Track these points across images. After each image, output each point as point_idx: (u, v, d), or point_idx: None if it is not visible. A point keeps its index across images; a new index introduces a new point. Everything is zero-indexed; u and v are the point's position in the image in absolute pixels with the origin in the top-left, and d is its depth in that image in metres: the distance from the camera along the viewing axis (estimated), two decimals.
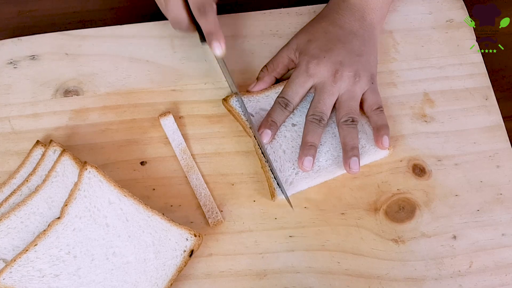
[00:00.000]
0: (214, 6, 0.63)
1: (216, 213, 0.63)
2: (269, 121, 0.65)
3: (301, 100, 0.66)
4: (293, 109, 0.66)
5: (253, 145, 0.66)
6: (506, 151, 0.67)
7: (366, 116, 0.66)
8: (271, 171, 0.63)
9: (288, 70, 0.70)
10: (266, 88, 0.69)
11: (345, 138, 0.64)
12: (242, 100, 0.66)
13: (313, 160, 0.63)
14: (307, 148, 0.63)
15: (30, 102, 0.69)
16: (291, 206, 0.62)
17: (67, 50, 0.72)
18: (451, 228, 0.63)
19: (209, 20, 0.63)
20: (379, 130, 0.64)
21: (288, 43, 0.70)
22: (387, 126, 0.65)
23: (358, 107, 0.65)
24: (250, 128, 0.66)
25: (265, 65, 0.70)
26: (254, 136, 0.65)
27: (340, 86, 0.65)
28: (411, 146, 0.67)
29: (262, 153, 0.64)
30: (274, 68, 0.69)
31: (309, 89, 0.66)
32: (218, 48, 0.63)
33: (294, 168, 0.64)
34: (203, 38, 0.65)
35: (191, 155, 0.66)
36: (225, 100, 0.68)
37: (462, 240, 0.62)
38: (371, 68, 0.67)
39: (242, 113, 0.67)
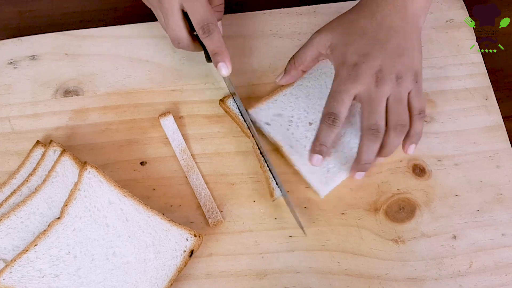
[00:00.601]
0: (219, 25, 0.62)
1: (216, 213, 0.63)
2: (317, 145, 0.61)
3: (348, 112, 0.62)
4: (342, 124, 0.61)
5: (252, 145, 0.66)
6: (506, 151, 0.67)
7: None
8: (270, 171, 0.63)
9: (317, 62, 0.67)
10: (275, 91, 0.69)
11: (388, 144, 0.61)
12: (240, 101, 0.66)
13: (364, 174, 0.63)
14: (361, 165, 0.62)
15: (30, 102, 0.69)
16: (303, 230, 0.61)
17: (67, 50, 0.72)
18: (451, 228, 0.63)
19: (214, 40, 0.62)
20: (412, 137, 0.62)
21: (319, 35, 0.65)
22: (420, 136, 0.63)
23: (407, 111, 0.62)
24: (248, 128, 0.66)
25: (293, 57, 0.66)
26: (253, 136, 0.65)
27: (385, 90, 0.61)
28: None
29: (261, 153, 0.64)
30: (302, 61, 0.66)
31: (354, 98, 0.62)
32: (225, 68, 0.63)
33: (323, 167, 0.64)
34: (209, 57, 0.65)
35: (191, 155, 0.66)
36: (222, 101, 0.68)
37: (462, 240, 0.62)
38: (414, 66, 0.62)
39: (239, 114, 0.67)
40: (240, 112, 0.67)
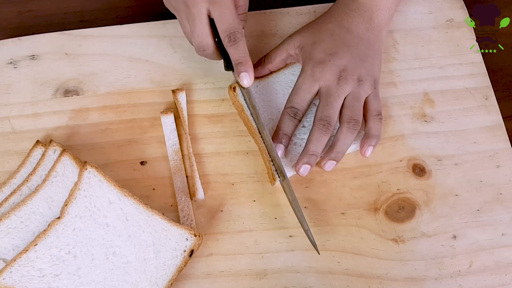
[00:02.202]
0: (243, 34, 0.62)
1: (191, 220, 0.63)
2: (280, 135, 0.64)
3: (308, 106, 0.65)
4: (302, 117, 0.65)
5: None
6: (506, 151, 0.67)
7: (364, 119, 0.65)
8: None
9: (285, 64, 0.69)
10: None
11: (340, 139, 0.63)
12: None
13: (310, 169, 0.63)
14: (308, 155, 0.63)
15: (30, 102, 0.69)
16: (318, 251, 0.61)
17: (67, 50, 0.72)
18: (451, 228, 0.63)
19: (239, 49, 0.62)
20: (370, 139, 0.64)
21: (290, 38, 0.69)
22: (378, 138, 0.65)
23: (361, 110, 0.64)
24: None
25: (264, 56, 0.69)
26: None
27: (345, 88, 0.64)
28: (411, 146, 0.67)
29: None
30: (270, 60, 0.68)
31: (316, 94, 0.65)
32: (247, 79, 0.63)
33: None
34: (228, 65, 0.65)
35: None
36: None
37: (462, 240, 0.62)
38: (374, 73, 0.66)
39: (185, 109, 0.67)
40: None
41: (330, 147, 0.64)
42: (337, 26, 0.67)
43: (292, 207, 0.62)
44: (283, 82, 0.69)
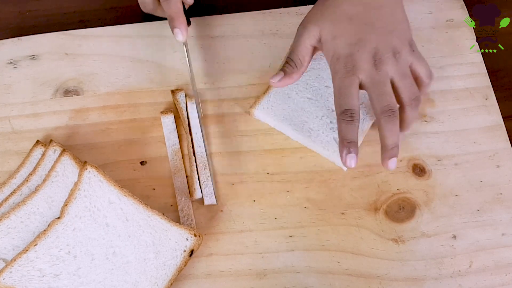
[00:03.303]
0: None
1: (191, 220, 0.63)
2: (345, 144, 0.59)
3: (359, 102, 0.60)
4: (359, 116, 0.59)
5: (187, 144, 0.66)
6: (506, 151, 0.67)
7: (417, 86, 0.62)
8: (197, 172, 0.65)
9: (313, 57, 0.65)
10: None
11: (405, 119, 0.60)
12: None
13: (396, 158, 0.60)
14: (389, 150, 0.59)
15: (30, 102, 0.69)
16: (216, 200, 0.62)
17: (67, 50, 0.72)
18: (451, 228, 0.63)
19: (171, 5, 0.64)
20: (405, 124, 0.61)
21: (305, 29, 0.63)
22: (415, 118, 0.62)
23: (414, 83, 0.61)
24: (189, 126, 0.67)
25: (290, 59, 0.63)
26: (190, 134, 0.66)
27: (386, 70, 0.59)
28: (411, 146, 0.67)
29: (194, 153, 0.65)
30: (302, 63, 0.63)
31: (359, 86, 0.60)
32: (179, 35, 0.65)
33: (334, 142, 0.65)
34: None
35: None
36: (173, 92, 0.69)
37: (462, 240, 0.62)
38: (406, 37, 0.62)
39: (184, 110, 0.67)
40: (187, 108, 0.67)
41: (400, 125, 0.60)
42: (352, 4, 0.62)
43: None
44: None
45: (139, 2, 0.68)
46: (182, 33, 0.65)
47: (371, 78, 0.59)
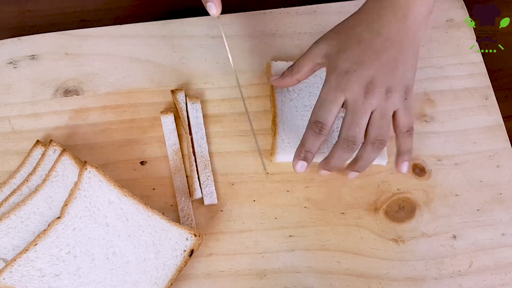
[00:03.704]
0: None
1: (191, 220, 0.63)
2: (303, 152, 0.60)
3: (334, 120, 0.60)
4: (328, 132, 0.60)
5: (186, 144, 0.66)
6: (506, 151, 0.67)
7: (394, 133, 0.62)
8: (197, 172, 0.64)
9: (313, 72, 0.65)
10: None
11: (363, 157, 0.60)
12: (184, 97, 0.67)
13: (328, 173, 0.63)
14: (328, 167, 0.62)
15: (30, 102, 0.69)
16: (265, 168, 0.62)
17: (67, 50, 0.72)
18: (451, 228, 0.63)
19: None
20: (403, 155, 0.61)
21: (316, 45, 0.63)
22: (410, 153, 0.61)
23: (389, 127, 0.60)
24: (189, 125, 0.66)
25: (291, 66, 0.65)
26: (190, 134, 0.65)
27: (372, 103, 0.59)
28: None
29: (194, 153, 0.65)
30: (298, 70, 0.64)
31: (341, 105, 0.60)
32: (213, 8, 0.62)
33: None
34: None
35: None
36: (173, 92, 0.68)
37: (462, 240, 0.62)
38: (406, 81, 0.61)
39: (184, 109, 0.67)
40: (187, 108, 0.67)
41: (353, 160, 0.62)
42: (366, 30, 0.61)
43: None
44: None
45: None
46: (216, 6, 0.62)
47: (354, 104, 0.59)
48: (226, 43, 0.66)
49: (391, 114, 0.60)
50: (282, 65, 0.69)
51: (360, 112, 0.59)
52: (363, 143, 0.60)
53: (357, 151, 0.61)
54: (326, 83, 0.61)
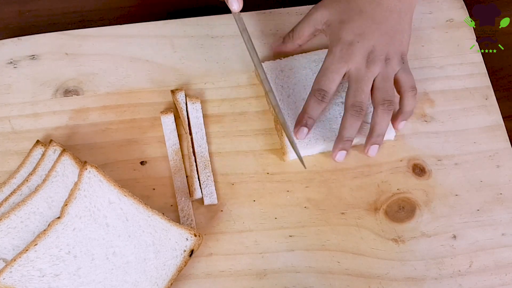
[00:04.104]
0: None
1: (191, 220, 0.63)
2: (305, 118, 0.63)
3: (336, 89, 0.64)
4: (330, 100, 0.64)
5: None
6: (506, 151, 0.67)
7: (399, 95, 0.65)
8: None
9: (313, 37, 0.69)
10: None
11: (377, 122, 0.63)
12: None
13: (346, 154, 0.64)
14: (343, 142, 0.63)
15: (30, 102, 0.69)
16: (304, 165, 0.62)
17: (67, 50, 0.72)
18: (451, 228, 0.63)
19: None
20: (403, 114, 0.65)
21: (316, 10, 0.67)
22: (411, 113, 0.65)
23: (393, 88, 0.64)
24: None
25: (291, 30, 0.68)
26: (268, 97, 0.65)
27: (374, 70, 0.63)
28: (411, 146, 0.67)
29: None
30: (299, 35, 0.68)
31: (344, 76, 0.64)
32: (235, 3, 0.63)
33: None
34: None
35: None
36: (173, 92, 0.68)
37: (462, 240, 0.62)
38: (402, 48, 0.65)
39: (184, 109, 0.67)
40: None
41: (369, 132, 0.64)
42: (367, 1, 0.65)
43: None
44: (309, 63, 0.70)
45: None
46: (238, 1, 0.63)
47: (357, 73, 0.63)
48: (244, 39, 0.66)
49: (392, 77, 0.64)
50: (269, 64, 0.69)
51: (364, 80, 0.63)
52: (373, 110, 0.63)
53: (368, 124, 0.64)
54: (329, 53, 0.65)
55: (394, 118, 0.65)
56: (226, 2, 0.63)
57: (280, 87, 0.68)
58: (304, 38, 0.68)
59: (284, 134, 0.64)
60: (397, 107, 0.66)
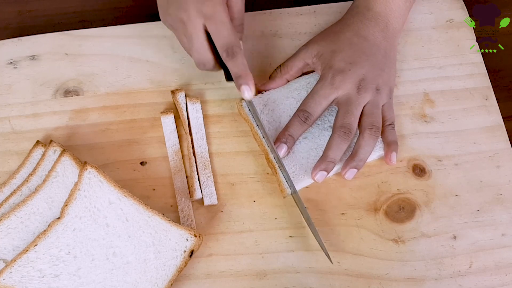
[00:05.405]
0: (242, 47, 0.62)
1: (191, 220, 0.63)
2: (285, 135, 0.64)
3: (321, 114, 0.65)
4: (313, 123, 0.65)
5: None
6: (506, 151, 0.67)
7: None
8: (280, 170, 0.64)
9: (302, 73, 0.69)
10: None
11: (361, 146, 0.63)
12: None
13: (327, 175, 0.63)
14: (326, 162, 0.62)
15: (30, 102, 0.69)
16: (331, 260, 0.60)
17: (67, 50, 0.72)
18: (451, 228, 0.63)
19: (238, 63, 0.61)
20: (389, 146, 0.65)
21: (306, 47, 0.69)
22: (396, 143, 0.65)
23: (381, 118, 0.65)
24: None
25: (280, 65, 0.69)
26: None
27: (365, 97, 0.64)
28: (411, 146, 0.67)
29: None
30: (287, 70, 0.68)
31: (331, 102, 0.65)
32: (248, 92, 0.62)
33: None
34: (229, 77, 0.64)
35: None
36: (173, 92, 0.68)
37: (462, 240, 0.62)
38: (390, 82, 0.67)
39: (251, 116, 0.67)
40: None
41: (351, 155, 0.63)
42: (355, 35, 0.67)
43: (304, 219, 0.63)
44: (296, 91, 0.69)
45: (196, 63, 0.64)
46: (251, 89, 0.62)
47: (348, 97, 0.64)
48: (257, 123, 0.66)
49: (381, 107, 0.65)
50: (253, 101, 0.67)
51: (354, 103, 0.64)
52: (359, 134, 0.64)
53: (352, 148, 0.64)
54: (321, 79, 0.66)
55: (385, 153, 0.65)
56: (237, 88, 0.63)
57: (267, 122, 0.67)
58: (292, 73, 0.68)
59: (279, 172, 0.64)
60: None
